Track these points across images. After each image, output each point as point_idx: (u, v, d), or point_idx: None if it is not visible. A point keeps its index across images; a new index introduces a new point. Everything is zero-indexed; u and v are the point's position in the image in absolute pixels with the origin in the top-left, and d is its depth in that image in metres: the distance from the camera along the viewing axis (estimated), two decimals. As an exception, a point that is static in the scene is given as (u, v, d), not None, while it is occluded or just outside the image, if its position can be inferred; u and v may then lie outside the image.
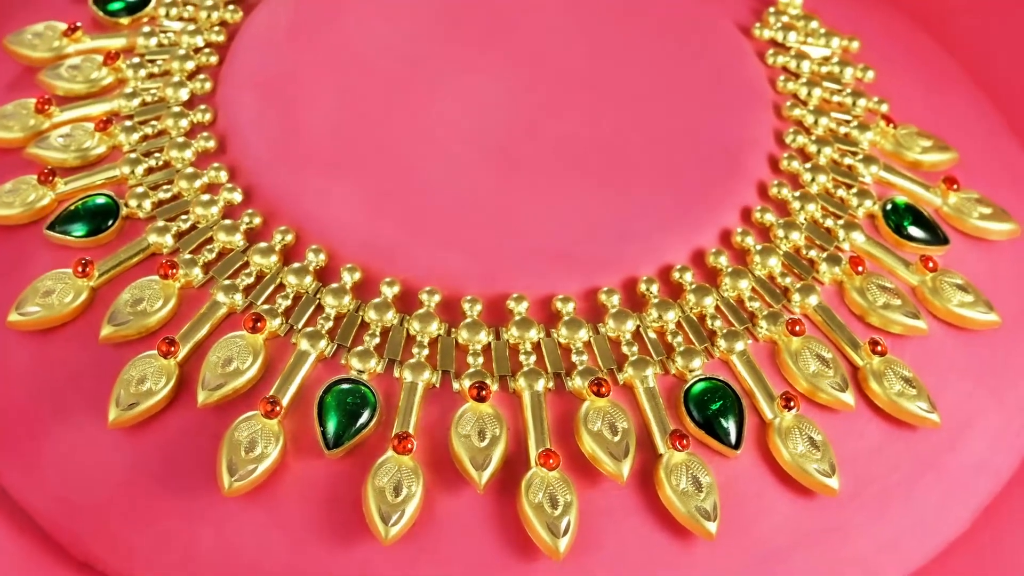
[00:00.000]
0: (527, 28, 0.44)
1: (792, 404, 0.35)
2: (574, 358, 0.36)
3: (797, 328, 0.37)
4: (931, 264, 0.39)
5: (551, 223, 0.38)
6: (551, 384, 0.36)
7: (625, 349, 0.36)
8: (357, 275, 0.37)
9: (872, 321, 0.38)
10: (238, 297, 0.37)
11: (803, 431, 0.36)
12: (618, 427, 0.35)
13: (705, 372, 0.36)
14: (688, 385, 0.36)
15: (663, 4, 0.45)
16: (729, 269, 0.37)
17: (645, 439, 0.35)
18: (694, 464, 0.35)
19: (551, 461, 0.34)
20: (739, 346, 0.36)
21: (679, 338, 0.36)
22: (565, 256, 0.38)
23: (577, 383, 0.35)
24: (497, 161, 0.40)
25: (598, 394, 0.35)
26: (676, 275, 0.37)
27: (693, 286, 0.37)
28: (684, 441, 0.34)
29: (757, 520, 0.35)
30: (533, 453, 0.34)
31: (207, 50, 0.43)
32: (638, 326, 0.36)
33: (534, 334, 0.36)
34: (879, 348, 0.37)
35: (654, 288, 0.37)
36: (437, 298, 0.36)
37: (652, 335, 0.36)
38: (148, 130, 0.41)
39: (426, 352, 0.36)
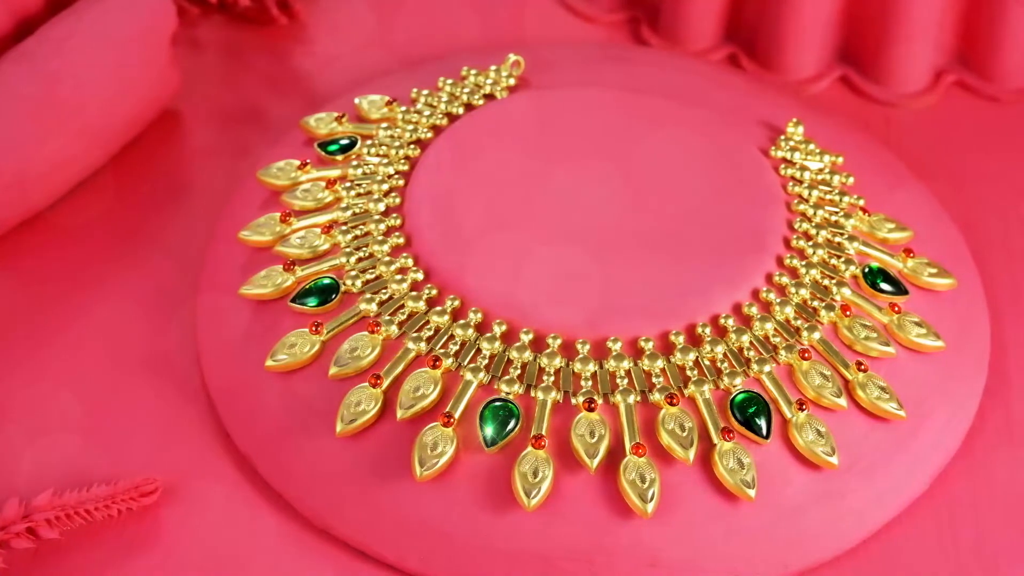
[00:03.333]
0: (608, 150, 0.47)
1: (804, 407, 0.38)
2: (654, 380, 0.39)
3: (806, 355, 0.40)
4: (896, 308, 0.42)
5: (634, 286, 0.41)
6: (638, 398, 0.39)
7: (689, 372, 0.39)
8: (504, 327, 0.40)
9: (857, 348, 0.41)
10: (422, 345, 0.40)
11: (812, 425, 0.39)
12: (685, 426, 0.38)
13: (744, 387, 0.39)
14: (732, 396, 0.39)
15: (708, 135, 0.47)
16: (758, 316, 0.41)
17: (704, 434, 0.38)
18: (738, 450, 0.38)
19: (640, 451, 0.37)
20: (767, 368, 0.39)
21: (725, 364, 0.39)
22: (645, 309, 0.40)
23: (656, 397, 0.38)
24: (594, 245, 0.42)
25: (671, 404, 0.38)
26: (722, 321, 0.40)
27: (734, 328, 0.40)
28: (731, 434, 0.37)
29: (782, 487, 0.38)
30: (627, 445, 0.37)
31: (396, 176, 0.46)
32: (697, 357, 0.39)
33: (626, 364, 0.39)
34: (863, 367, 0.40)
35: (707, 331, 0.40)
36: (559, 341, 0.39)
37: (707, 362, 0.39)
38: (357, 232, 0.44)
39: (552, 379, 0.39)
